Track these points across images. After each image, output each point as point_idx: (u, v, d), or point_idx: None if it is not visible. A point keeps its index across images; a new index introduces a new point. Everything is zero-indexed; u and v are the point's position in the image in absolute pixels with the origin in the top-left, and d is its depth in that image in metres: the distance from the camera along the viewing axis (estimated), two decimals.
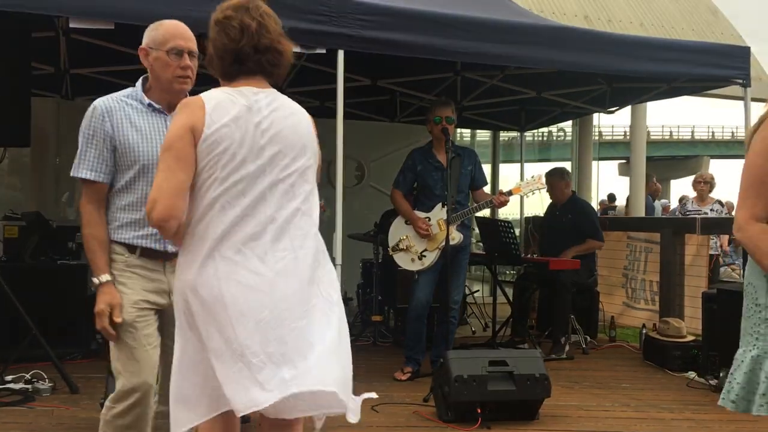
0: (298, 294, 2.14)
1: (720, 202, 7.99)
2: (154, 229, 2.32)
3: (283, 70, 2.33)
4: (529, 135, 9.53)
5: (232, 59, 2.22)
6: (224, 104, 2.15)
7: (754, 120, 2.25)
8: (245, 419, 3.93)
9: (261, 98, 2.23)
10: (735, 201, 2.31)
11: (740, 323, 2.25)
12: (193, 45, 2.62)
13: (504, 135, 10.01)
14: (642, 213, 9.86)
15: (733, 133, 38.40)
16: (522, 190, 5.21)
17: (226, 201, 2.12)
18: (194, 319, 2.12)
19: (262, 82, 2.28)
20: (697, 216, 7.46)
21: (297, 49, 4.32)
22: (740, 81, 5.44)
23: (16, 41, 4.44)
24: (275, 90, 2.32)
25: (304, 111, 2.35)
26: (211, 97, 2.17)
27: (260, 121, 2.18)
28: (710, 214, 7.59)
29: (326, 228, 4.15)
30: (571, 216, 6.38)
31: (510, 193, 5.16)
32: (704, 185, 7.90)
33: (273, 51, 2.27)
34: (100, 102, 2.58)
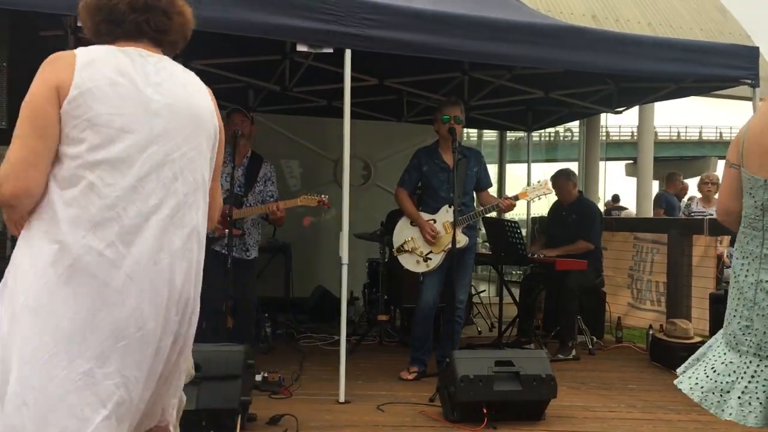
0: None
1: None
2: None
3: (176, 37, 2.01)
4: (536, 135, 9.52)
5: (103, 17, 1.91)
6: (101, 62, 1.82)
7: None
8: (251, 417, 3.95)
9: (150, 62, 1.91)
10: None
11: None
12: None
13: (511, 135, 9.99)
14: (650, 214, 9.83)
15: None
16: (528, 195, 5.20)
17: (95, 179, 1.78)
18: None
19: (152, 49, 1.96)
20: (702, 217, 7.44)
21: (304, 48, 4.33)
22: (749, 81, 5.41)
23: (24, 40, 4.45)
24: (169, 59, 2.01)
25: (201, 83, 2.04)
26: (86, 51, 1.83)
27: (145, 88, 1.87)
28: (715, 215, 7.55)
29: (333, 227, 4.16)
30: (576, 216, 6.37)
31: (516, 197, 5.14)
32: (711, 186, 7.87)
33: (156, 11, 1.94)
34: None
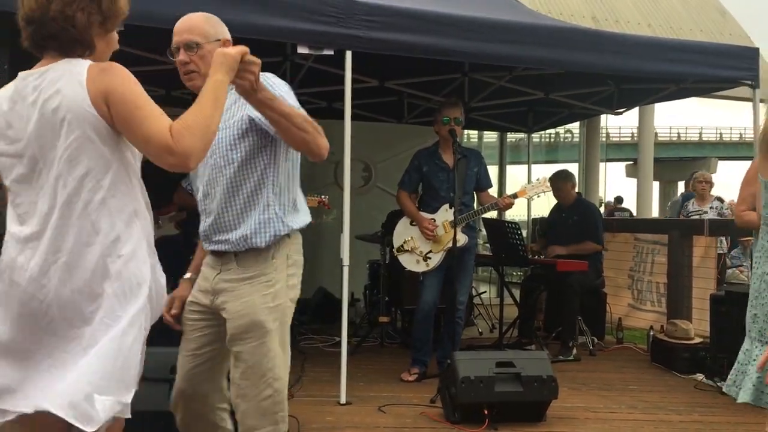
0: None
1: (720, 199, 7.98)
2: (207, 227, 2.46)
3: (67, 36, 1.95)
4: (536, 136, 9.53)
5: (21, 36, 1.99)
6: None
7: (762, 121, 2.27)
8: None
9: (29, 81, 1.96)
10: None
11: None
12: (187, 36, 2.45)
13: (511, 136, 10.00)
14: (651, 214, 9.83)
15: (741, 134, 38.22)
16: (527, 193, 5.20)
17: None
18: None
19: (55, 58, 1.98)
20: (698, 216, 7.45)
21: (305, 50, 4.34)
22: (749, 82, 5.41)
23: (19, 43, 4.46)
24: (62, 62, 1.95)
25: (76, 83, 1.88)
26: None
27: (23, 110, 1.92)
28: (710, 213, 7.57)
29: (334, 229, 4.17)
30: (576, 218, 6.38)
31: (515, 196, 5.15)
32: (705, 185, 7.91)
33: (36, 22, 1.96)
34: None
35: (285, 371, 2.54)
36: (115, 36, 2.14)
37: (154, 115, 1.85)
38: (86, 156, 1.88)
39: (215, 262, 2.55)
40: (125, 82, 1.88)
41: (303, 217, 2.57)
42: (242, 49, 2.11)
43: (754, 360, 2.25)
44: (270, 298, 2.44)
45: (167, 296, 2.24)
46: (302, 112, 2.38)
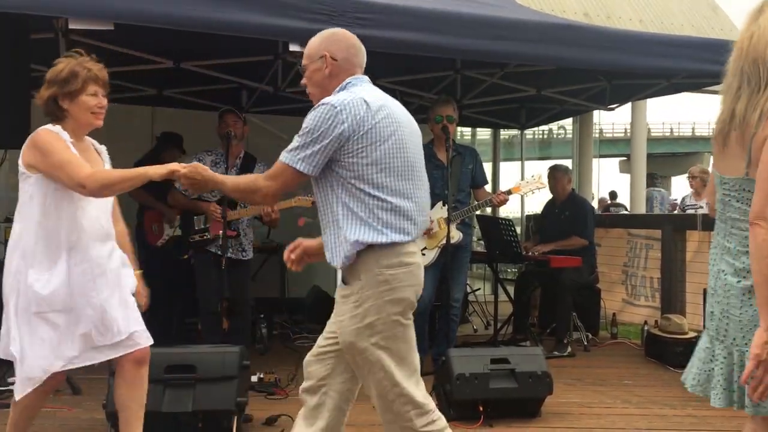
0: None
1: None
2: None
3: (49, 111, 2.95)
4: (529, 133, 9.54)
5: None
6: None
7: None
8: (248, 418, 3.95)
9: None
10: None
11: None
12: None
13: (504, 133, 10.00)
14: (643, 210, 9.85)
15: None
16: (522, 189, 5.21)
17: None
18: None
19: None
20: (694, 211, 7.47)
21: (297, 48, 4.32)
22: None
23: (14, 43, 4.43)
24: None
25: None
26: None
27: None
28: (705, 207, 7.59)
29: None
30: (569, 213, 6.39)
31: (509, 192, 5.16)
32: (692, 180, 7.95)
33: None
34: None
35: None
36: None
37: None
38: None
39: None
40: None
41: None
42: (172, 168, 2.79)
43: (718, 360, 2.23)
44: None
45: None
46: (238, 182, 2.76)
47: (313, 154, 2.47)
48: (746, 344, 2.12)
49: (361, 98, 2.52)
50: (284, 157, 2.52)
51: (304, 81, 2.69)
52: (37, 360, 2.80)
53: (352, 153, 2.48)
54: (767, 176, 2.05)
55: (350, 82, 2.62)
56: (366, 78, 2.69)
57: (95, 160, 3.02)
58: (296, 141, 2.51)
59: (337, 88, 2.61)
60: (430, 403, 2.60)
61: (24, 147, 2.91)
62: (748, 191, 2.13)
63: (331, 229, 2.54)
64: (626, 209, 11.87)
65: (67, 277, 2.84)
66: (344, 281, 2.58)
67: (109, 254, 2.98)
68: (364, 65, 2.72)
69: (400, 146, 2.57)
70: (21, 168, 2.92)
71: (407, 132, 2.63)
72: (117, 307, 2.90)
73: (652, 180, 11.03)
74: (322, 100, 2.52)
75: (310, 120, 2.49)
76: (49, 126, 2.94)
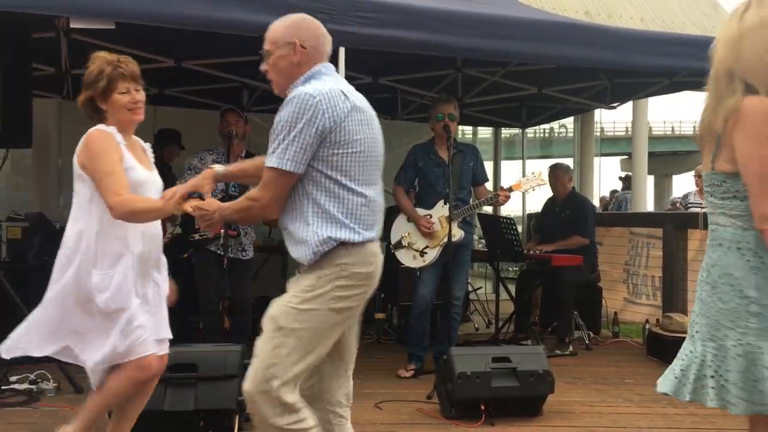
0: None
1: None
2: None
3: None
4: (530, 131, 9.54)
5: None
6: None
7: None
8: (249, 417, 3.95)
9: None
10: None
11: None
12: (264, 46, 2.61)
13: (506, 132, 10.00)
14: (645, 208, 9.84)
15: None
16: (523, 187, 5.22)
17: None
18: None
19: None
20: (698, 209, 7.45)
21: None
22: None
23: (16, 42, 4.44)
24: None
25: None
26: None
27: None
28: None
29: None
30: (569, 212, 6.39)
31: (511, 189, 5.16)
32: (698, 179, 7.94)
33: None
34: None
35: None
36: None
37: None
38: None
39: None
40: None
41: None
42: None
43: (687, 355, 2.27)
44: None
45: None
46: (236, 202, 2.63)
47: (298, 151, 2.36)
48: (710, 339, 2.17)
49: (338, 89, 2.46)
50: (271, 161, 2.39)
51: (264, 67, 2.56)
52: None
53: (331, 146, 2.39)
54: (752, 172, 2.08)
55: (320, 71, 2.53)
56: (333, 67, 2.62)
57: (142, 158, 3.03)
58: (276, 141, 2.39)
59: (305, 76, 2.51)
60: (299, 406, 2.43)
61: (78, 147, 2.89)
62: (716, 185, 2.23)
63: (299, 224, 2.44)
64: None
65: (125, 277, 2.84)
66: (300, 270, 2.50)
67: (158, 256, 3.03)
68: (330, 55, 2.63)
69: (372, 141, 2.52)
70: (76, 169, 2.88)
71: (376, 128, 2.58)
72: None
73: (627, 183, 11.01)
74: (296, 92, 2.41)
75: (288, 114, 2.37)
76: (102, 126, 2.92)
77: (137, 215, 2.84)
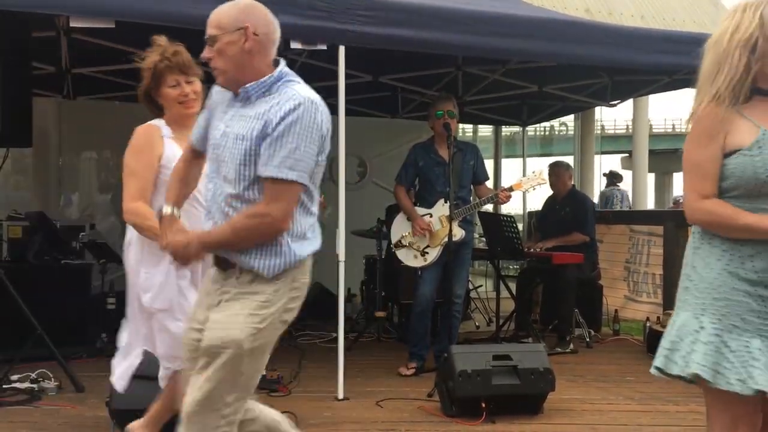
0: None
1: None
2: None
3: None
4: (531, 130, 9.52)
5: None
6: None
7: None
8: None
9: None
10: None
11: None
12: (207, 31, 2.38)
13: (506, 130, 10.00)
14: (646, 206, 9.84)
15: None
16: (523, 186, 5.21)
17: None
18: None
19: None
20: None
21: (298, 46, 4.32)
22: None
23: (16, 41, 4.44)
24: None
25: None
26: None
27: None
28: None
29: (329, 225, 4.15)
30: (569, 209, 6.39)
31: (511, 189, 5.15)
32: None
33: None
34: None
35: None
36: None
37: None
38: None
39: None
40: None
41: None
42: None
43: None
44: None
45: None
46: (232, 225, 2.26)
47: (308, 160, 2.24)
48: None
49: (317, 96, 2.32)
50: (281, 172, 2.19)
51: (208, 54, 2.33)
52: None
53: (317, 157, 2.30)
54: (684, 167, 2.23)
55: (288, 75, 2.39)
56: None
57: None
58: (283, 150, 2.19)
59: (276, 76, 2.36)
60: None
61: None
62: None
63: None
64: (628, 197, 11.81)
65: (166, 277, 2.82)
66: (245, 276, 2.29)
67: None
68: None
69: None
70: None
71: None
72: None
73: (612, 179, 10.98)
74: (294, 97, 2.25)
75: (291, 122, 2.20)
76: (153, 121, 2.90)
77: (138, 229, 2.84)
